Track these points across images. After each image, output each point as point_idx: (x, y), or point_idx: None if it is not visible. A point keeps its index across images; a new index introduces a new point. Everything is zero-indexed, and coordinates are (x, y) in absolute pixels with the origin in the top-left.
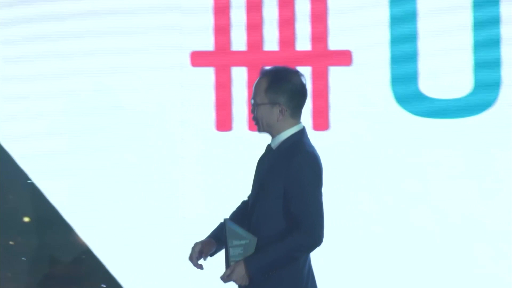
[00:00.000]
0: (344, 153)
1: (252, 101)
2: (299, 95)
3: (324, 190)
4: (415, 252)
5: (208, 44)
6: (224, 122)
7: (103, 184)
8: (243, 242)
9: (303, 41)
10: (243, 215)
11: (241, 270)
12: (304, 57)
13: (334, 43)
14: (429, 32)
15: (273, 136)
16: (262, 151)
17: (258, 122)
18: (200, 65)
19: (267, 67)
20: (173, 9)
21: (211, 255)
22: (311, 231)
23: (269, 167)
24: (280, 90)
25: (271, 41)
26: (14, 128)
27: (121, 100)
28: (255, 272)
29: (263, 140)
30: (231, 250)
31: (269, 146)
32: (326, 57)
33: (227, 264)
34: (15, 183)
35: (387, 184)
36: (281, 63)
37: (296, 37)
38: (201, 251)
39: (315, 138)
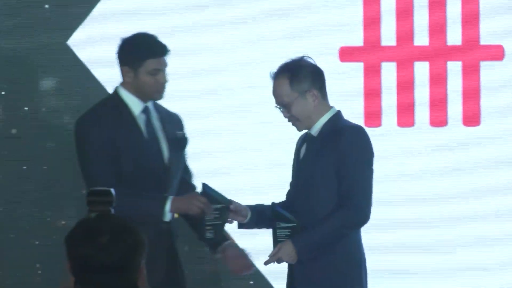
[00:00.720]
0: (496, 149)
1: (279, 106)
2: (319, 74)
3: (474, 185)
4: None
5: (357, 39)
6: (373, 118)
7: (250, 173)
8: (290, 225)
9: (454, 36)
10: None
11: (288, 247)
12: (455, 52)
13: (486, 38)
14: None
15: (312, 125)
16: (412, 147)
17: (298, 120)
18: (349, 60)
19: (274, 70)
20: (322, 4)
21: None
22: (358, 208)
23: (316, 154)
24: (302, 78)
25: (421, 36)
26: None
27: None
28: (302, 249)
29: (413, 136)
30: (278, 231)
31: (309, 135)
32: (477, 52)
33: (275, 246)
34: None
35: None
36: (431, 58)
37: (447, 32)
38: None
39: (465, 134)
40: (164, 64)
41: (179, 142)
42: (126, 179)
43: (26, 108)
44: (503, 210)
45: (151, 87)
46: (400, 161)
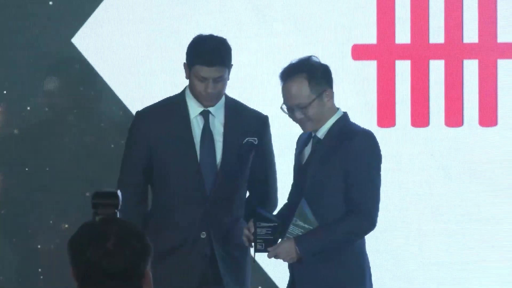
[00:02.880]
0: None
1: (294, 106)
2: (330, 73)
3: (491, 186)
4: None
5: (370, 36)
6: (386, 118)
7: None
8: (306, 226)
9: (471, 33)
10: None
11: (288, 245)
12: (472, 50)
13: (504, 35)
14: None
15: (321, 127)
16: (426, 148)
17: (311, 120)
18: (362, 58)
19: (283, 71)
20: (335, 1)
21: None
22: (367, 216)
23: (323, 158)
24: (319, 78)
25: (436, 34)
26: None
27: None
28: (305, 250)
29: (428, 137)
30: (291, 227)
31: (314, 137)
32: (495, 50)
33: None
34: None
35: None
36: (447, 56)
37: (463, 29)
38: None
39: (481, 134)
40: (213, 74)
41: (242, 148)
42: (163, 179)
43: (28, 108)
44: None
45: (198, 92)
46: (414, 162)
